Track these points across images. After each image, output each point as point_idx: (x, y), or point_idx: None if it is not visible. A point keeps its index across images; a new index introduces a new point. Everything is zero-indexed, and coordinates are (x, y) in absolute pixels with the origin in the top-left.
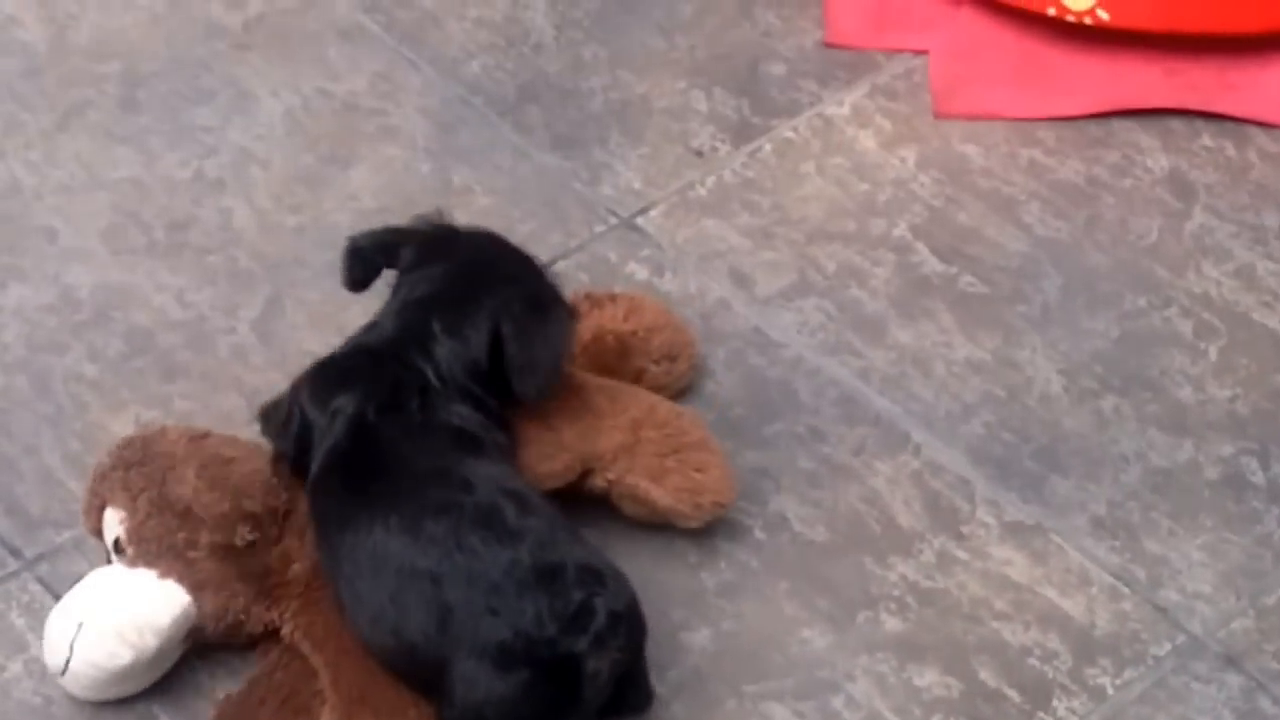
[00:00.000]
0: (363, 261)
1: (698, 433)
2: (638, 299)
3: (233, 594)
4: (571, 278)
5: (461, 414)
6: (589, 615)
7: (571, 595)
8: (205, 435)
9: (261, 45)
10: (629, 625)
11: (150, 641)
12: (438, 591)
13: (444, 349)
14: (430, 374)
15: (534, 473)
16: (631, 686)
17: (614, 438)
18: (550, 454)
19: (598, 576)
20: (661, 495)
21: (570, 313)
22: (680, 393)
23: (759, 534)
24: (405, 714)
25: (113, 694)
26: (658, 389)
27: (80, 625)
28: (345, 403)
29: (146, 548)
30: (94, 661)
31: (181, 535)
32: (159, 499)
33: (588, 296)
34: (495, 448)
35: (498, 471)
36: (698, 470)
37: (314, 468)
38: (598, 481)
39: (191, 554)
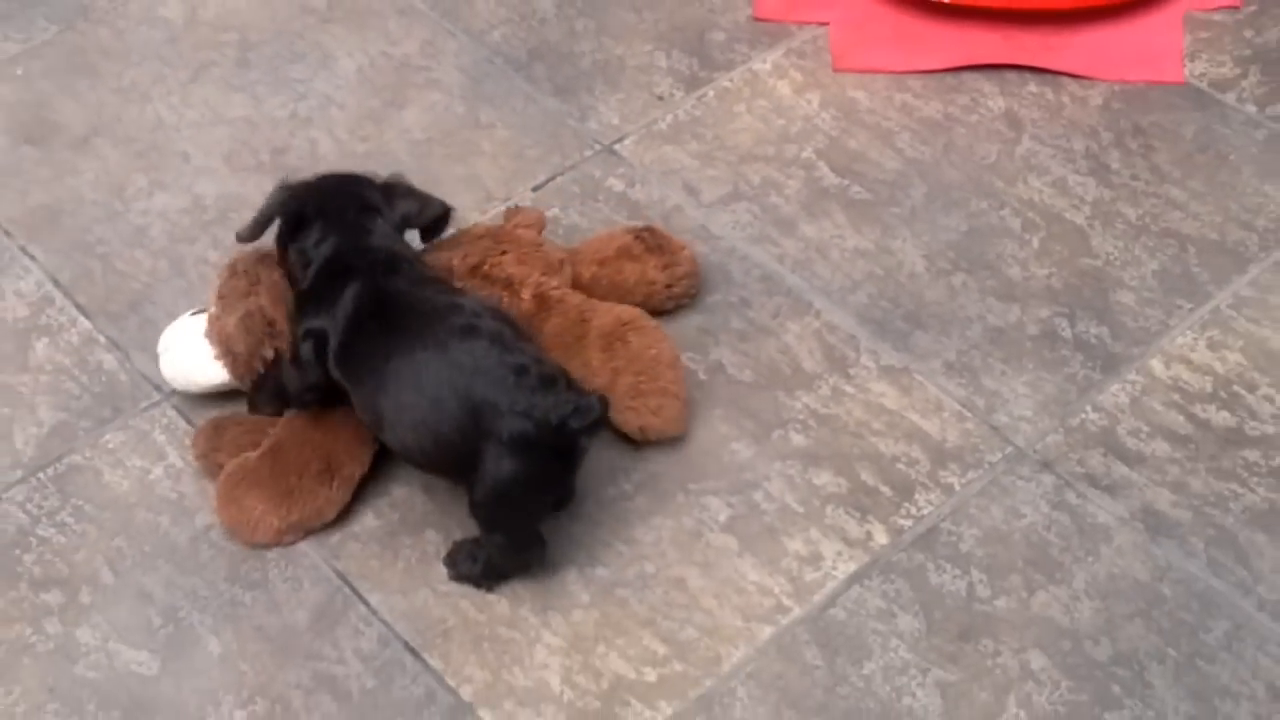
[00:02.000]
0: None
1: (664, 378)
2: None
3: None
4: (565, 190)
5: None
6: (588, 410)
7: (570, 396)
8: (271, 274)
9: (341, 19)
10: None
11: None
12: (470, 394)
13: (390, 230)
14: (397, 249)
15: None
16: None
17: (598, 381)
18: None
19: (579, 384)
20: (622, 424)
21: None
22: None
23: (702, 375)
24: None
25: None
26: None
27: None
28: (354, 281)
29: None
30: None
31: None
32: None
33: (639, 237)
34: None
35: (487, 302)
36: (654, 413)
37: (339, 337)
38: None
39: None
